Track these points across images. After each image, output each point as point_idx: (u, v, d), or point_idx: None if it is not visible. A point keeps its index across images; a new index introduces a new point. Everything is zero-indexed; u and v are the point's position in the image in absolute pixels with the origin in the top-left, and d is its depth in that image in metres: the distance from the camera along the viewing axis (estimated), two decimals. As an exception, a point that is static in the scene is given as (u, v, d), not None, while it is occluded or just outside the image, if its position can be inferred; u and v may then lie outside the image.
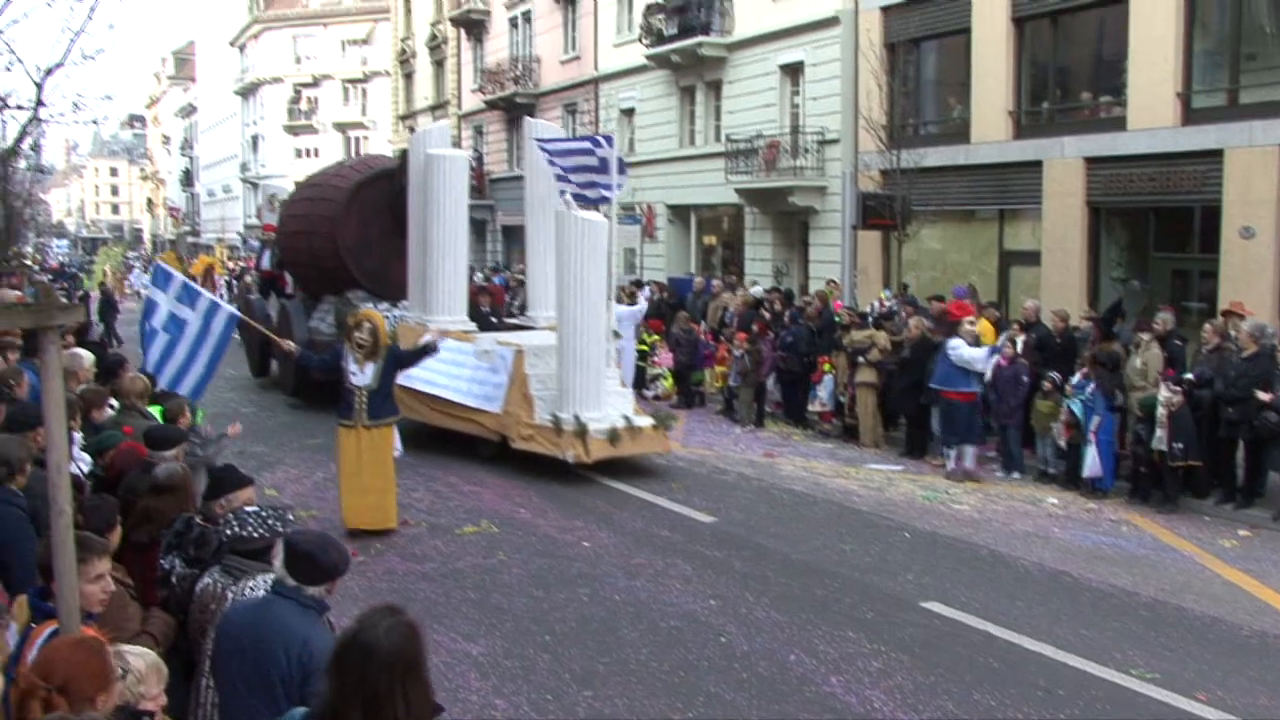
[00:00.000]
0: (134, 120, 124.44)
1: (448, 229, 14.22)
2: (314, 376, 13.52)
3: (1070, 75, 17.71)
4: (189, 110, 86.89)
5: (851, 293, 20.05)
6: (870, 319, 15.80)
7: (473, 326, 14.57)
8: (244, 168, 67.14)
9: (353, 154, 49.60)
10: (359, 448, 10.05)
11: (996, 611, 8.29)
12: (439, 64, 41.72)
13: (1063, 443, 12.59)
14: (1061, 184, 16.67)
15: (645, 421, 13.00)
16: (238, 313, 11.56)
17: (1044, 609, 8.42)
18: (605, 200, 13.75)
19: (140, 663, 3.53)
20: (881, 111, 18.68)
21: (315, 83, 61.73)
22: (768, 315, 17.26)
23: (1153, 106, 15.33)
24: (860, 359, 14.76)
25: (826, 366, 15.74)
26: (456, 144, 33.61)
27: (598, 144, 13.74)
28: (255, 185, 62.41)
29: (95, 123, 42.88)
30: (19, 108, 20.50)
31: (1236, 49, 14.89)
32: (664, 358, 18.71)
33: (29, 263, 48.37)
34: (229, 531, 4.51)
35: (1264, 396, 10.91)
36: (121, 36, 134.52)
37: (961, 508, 11.72)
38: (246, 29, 65.71)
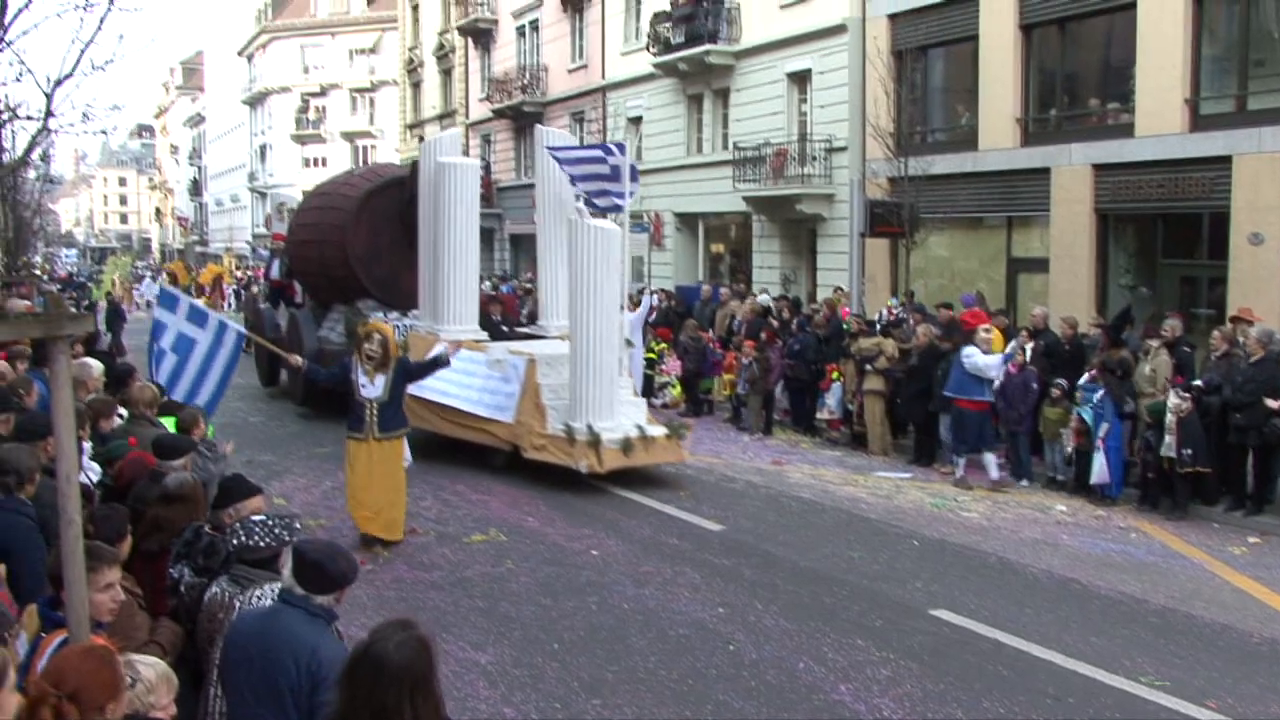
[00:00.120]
0: (142, 130, 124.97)
1: (459, 237, 14.20)
2: (322, 385, 13.52)
3: (1078, 82, 17.68)
4: (197, 120, 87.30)
5: (859, 300, 20.02)
6: (878, 326, 15.80)
7: (484, 335, 14.50)
8: (252, 177, 67.40)
9: (360, 163, 49.71)
10: (370, 460, 10.00)
11: (1005, 619, 8.27)
12: (447, 73, 41.83)
13: (1071, 449, 12.57)
14: (1069, 191, 16.65)
15: (659, 431, 12.94)
16: (245, 330, 11.56)
17: (1053, 616, 8.40)
18: (617, 209, 13.75)
19: (151, 672, 3.54)
20: (889, 119, 18.66)
21: (323, 92, 61.91)
22: (776, 323, 17.28)
23: (1161, 113, 15.30)
24: (868, 367, 14.77)
25: (834, 374, 15.74)
26: (464, 153, 33.65)
27: (610, 152, 13.75)
28: (263, 194, 62.73)
29: (104, 133, 43.32)
30: (29, 118, 20.57)
31: (1244, 55, 14.86)
32: (672, 366, 18.70)
33: (38, 272, 48.52)
34: (236, 541, 4.52)
35: (1273, 403, 10.91)
36: (131, 47, 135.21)
37: (970, 515, 11.70)
38: (254, 39, 65.97)
